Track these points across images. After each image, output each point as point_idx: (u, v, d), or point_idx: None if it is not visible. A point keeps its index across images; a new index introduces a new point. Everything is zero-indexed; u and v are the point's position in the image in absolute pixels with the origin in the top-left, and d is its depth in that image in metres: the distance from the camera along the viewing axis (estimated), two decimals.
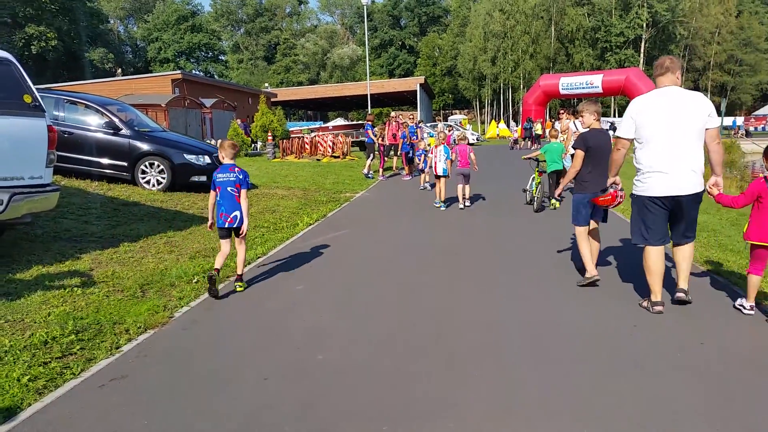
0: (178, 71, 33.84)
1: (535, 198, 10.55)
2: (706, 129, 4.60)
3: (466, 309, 4.98)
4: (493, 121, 59.17)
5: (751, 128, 53.89)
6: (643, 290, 5.11)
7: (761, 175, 4.77)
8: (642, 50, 63.53)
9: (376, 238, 8.33)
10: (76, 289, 5.32)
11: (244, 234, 5.58)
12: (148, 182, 11.00)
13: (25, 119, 5.76)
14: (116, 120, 10.95)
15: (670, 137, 4.61)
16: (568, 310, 4.93)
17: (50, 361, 3.84)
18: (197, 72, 79.12)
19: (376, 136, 17.05)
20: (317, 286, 5.75)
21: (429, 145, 22.39)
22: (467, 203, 11.04)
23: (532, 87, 44.55)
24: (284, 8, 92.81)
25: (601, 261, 6.34)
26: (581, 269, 5.88)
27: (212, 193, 5.58)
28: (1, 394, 3.40)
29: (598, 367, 3.74)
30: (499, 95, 67.26)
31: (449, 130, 21.92)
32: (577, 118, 10.14)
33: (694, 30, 63.64)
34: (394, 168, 18.79)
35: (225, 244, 5.52)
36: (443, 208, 10.85)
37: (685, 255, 4.90)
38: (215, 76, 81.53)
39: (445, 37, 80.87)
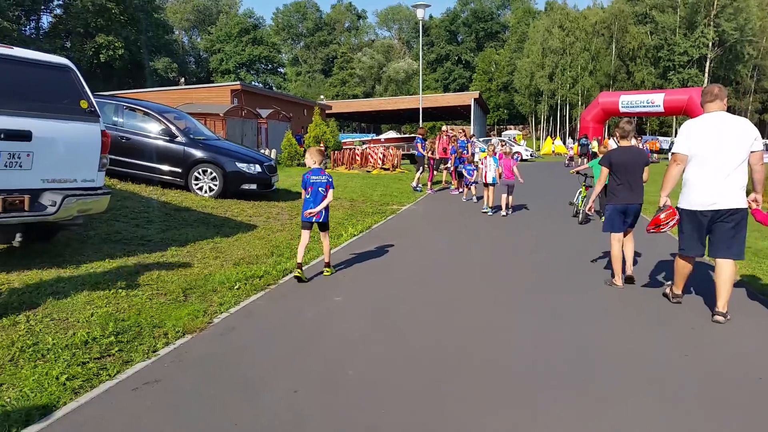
0: (238, 82, 34.71)
1: (581, 211, 10.90)
2: (752, 152, 5.01)
3: (504, 329, 4.82)
4: (549, 137, 58.26)
5: None
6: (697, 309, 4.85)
7: None
8: (707, 70, 61.44)
9: (419, 251, 8.24)
10: (120, 291, 5.42)
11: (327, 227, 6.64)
12: (200, 189, 11.24)
13: (81, 124, 5.95)
14: (172, 127, 11.25)
15: (717, 157, 5.01)
16: (613, 332, 4.70)
17: (88, 361, 3.90)
18: (256, 83, 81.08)
19: (426, 149, 17.00)
20: (356, 298, 5.70)
21: (479, 161, 22.14)
22: (510, 211, 12.04)
23: (591, 104, 43.68)
24: (343, 23, 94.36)
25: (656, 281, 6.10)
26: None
27: (303, 192, 6.45)
28: (39, 391, 3.46)
29: (641, 401, 3.53)
30: (555, 111, 66.25)
31: (501, 145, 21.71)
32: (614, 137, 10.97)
33: (764, 50, 61.20)
34: (443, 182, 18.65)
35: (306, 235, 6.45)
36: (490, 213, 12.10)
37: (724, 275, 5.08)
38: (273, 88, 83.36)
39: (503, 52, 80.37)
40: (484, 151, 24.48)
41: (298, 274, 6.22)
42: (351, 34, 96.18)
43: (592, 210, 7.14)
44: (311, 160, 6.45)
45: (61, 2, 58.79)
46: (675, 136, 52.09)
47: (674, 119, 58.59)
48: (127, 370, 3.85)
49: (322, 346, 4.38)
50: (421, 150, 16.92)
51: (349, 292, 5.94)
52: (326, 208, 6.42)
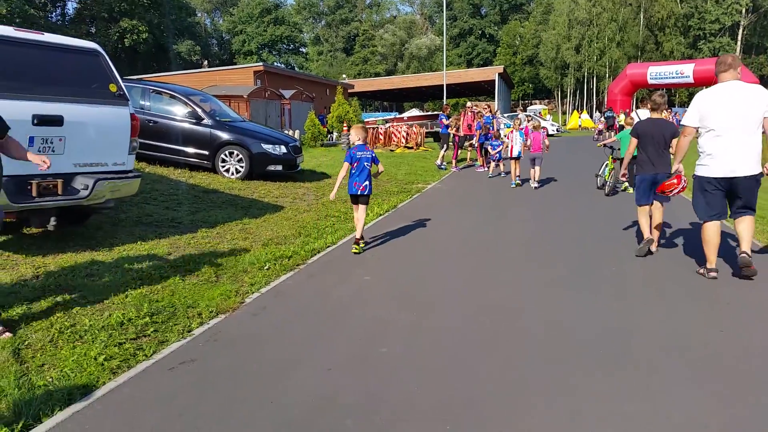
0: (260, 63, 34.71)
1: (608, 183, 11.15)
2: (765, 117, 5.17)
3: (533, 305, 4.79)
4: (575, 111, 57.27)
5: None
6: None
7: None
8: (740, 38, 59.65)
9: (446, 229, 8.21)
10: (153, 272, 5.51)
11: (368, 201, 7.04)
12: (227, 170, 11.32)
13: (111, 108, 6.01)
14: (199, 110, 11.31)
15: (730, 126, 5.22)
16: (642, 310, 4.64)
17: (125, 342, 3.98)
18: (278, 64, 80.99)
19: (450, 126, 16.80)
20: (384, 277, 5.72)
21: (505, 136, 21.89)
22: (537, 184, 12.44)
23: (619, 76, 42.82)
24: (364, 0, 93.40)
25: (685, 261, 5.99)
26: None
27: (347, 165, 6.82)
28: (79, 371, 3.54)
29: (676, 374, 3.48)
30: (582, 84, 64.99)
31: (528, 120, 21.48)
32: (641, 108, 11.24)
33: None
34: (468, 159, 18.48)
35: (356, 209, 6.88)
36: (517, 186, 12.57)
37: (744, 225, 5.44)
38: (295, 68, 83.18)
39: (527, 25, 78.89)
40: (509, 127, 24.22)
41: (356, 250, 6.64)
42: (372, 11, 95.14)
43: (626, 177, 7.61)
44: (356, 136, 6.90)
45: None
46: None
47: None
48: (163, 351, 3.92)
49: (353, 324, 4.40)
50: (444, 127, 16.76)
51: (377, 271, 5.96)
52: (370, 183, 6.84)
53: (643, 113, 10.47)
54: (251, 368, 3.65)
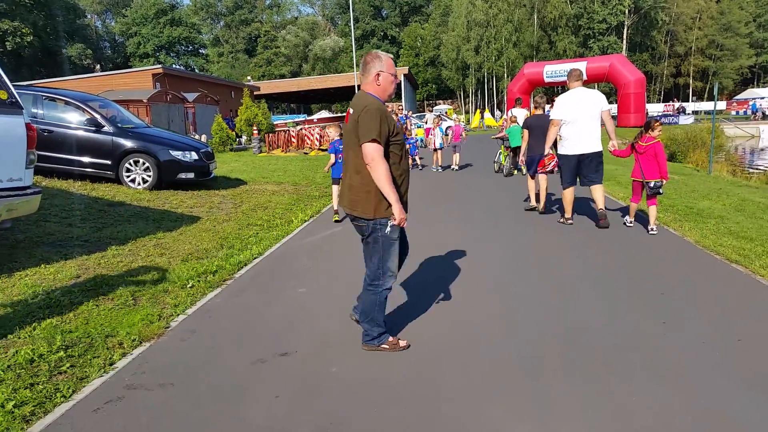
0: (159, 66, 33.05)
1: (504, 167, 14.08)
2: (602, 111, 7.52)
3: (485, 310, 4.70)
4: (478, 110, 58.92)
5: (733, 112, 54.00)
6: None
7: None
8: (625, 36, 63.72)
9: None
10: (62, 298, 4.96)
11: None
12: (133, 181, 10.58)
13: (1, 117, 5.36)
14: (98, 117, 10.50)
15: (579, 118, 7.54)
16: (539, 237, 4.68)
17: (38, 383, 3.50)
18: (178, 66, 77.96)
19: None
20: (320, 289, 5.44)
21: (417, 135, 22.09)
22: (457, 167, 16.00)
23: (517, 75, 44.36)
24: (264, 0, 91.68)
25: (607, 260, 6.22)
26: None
27: (333, 156, 8.46)
28: None
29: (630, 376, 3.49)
30: (483, 84, 66.99)
31: (438, 120, 22.14)
32: (522, 107, 15.08)
33: (675, 15, 63.88)
34: None
35: (335, 188, 8.62)
36: (440, 171, 15.73)
37: (596, 192, 7.72)
38: (196, 70, 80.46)
39: (428, 27, 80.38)
40: (420, 127, 24.45)
41: (336, 218, 8.67)
42: (273, 12, 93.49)
43: (523, 162, 9.47)
44: (335, 133, 8.66)
45: None
46: None
47: (596, 86, 60.45)
48: (84, 389, 3.48)
49: (295, 344, 4.11)
50: None
51: (310, 282, 5.67)
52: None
53: (518, 112, 14.37)
54: (190, 403, 3.30)
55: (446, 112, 48.39)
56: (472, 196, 11.17)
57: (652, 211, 7.30)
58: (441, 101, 76.29)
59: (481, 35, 62.72)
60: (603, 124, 7.59)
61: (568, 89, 7.77)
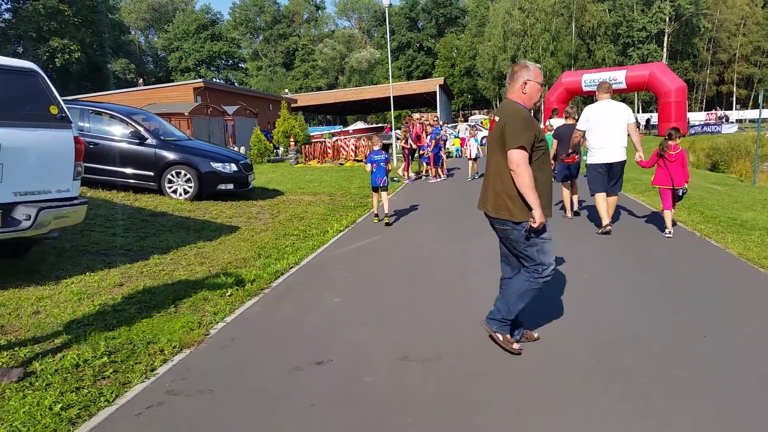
0: (200, 80, 33.90)
1: None
2: (628, 123, 7.79)
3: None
4: None
5: None
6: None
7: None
8: (665, 44, 62.51)
9: (409, 243, 8.04)
10: (106, 306, 5.11)
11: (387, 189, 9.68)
12: (175, 192, 10.85)
13: (52, 131, 5.58)
14: (141, 129, 10.82)
15: (607, 128, 7.80)
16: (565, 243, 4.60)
17: (83, 387, 3.62)
18: (218, 80, 79.63)
19: (399, 138, 16.78)
20: (355, 299, 5.48)
21: (454, 145, 22.07)
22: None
23: (554, 84, 43.91)
24: (302, 14, 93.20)
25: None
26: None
27: (369, 165, 9.39)
28: (32, 425, 3.18)
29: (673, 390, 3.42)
30: None
31: (474, 130, 22.22)
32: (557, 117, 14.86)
33: (718, 22, 62.37)
34: (419, 170, 18.45)
35: (376, 196, 9.81)
36: (476, 178, 16.01)
37: (612, 201, 8.17)
38: (235, 84, 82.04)
39: (463, 37, 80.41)
40: (456, 137, 24.43)
41: (376, 220, 9.72)
42: (310, 26, 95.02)
43: (555, 167, 9.47)
44: (376, 144, 9.59)
45: (9, 6, 56.60)
46: (639, 112, 52.92)
47: (636, 95, 59.43)
48: (126, 394, 3.58)
49: (330, 352, 4.15)
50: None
51: (346, 292, 5.72)
52: (387, 176, 9.51)
53: (555, 122, 14.07)
54: (226, 409, 3.37)
55: (482, 122, 48.27)
56: None
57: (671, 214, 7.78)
58: (477, 111, 76.05)
59: (518, 45, 62.39)
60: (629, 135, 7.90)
61: (596, 100, 8.08)
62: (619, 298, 5.19)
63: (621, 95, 60.52)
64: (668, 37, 62.44)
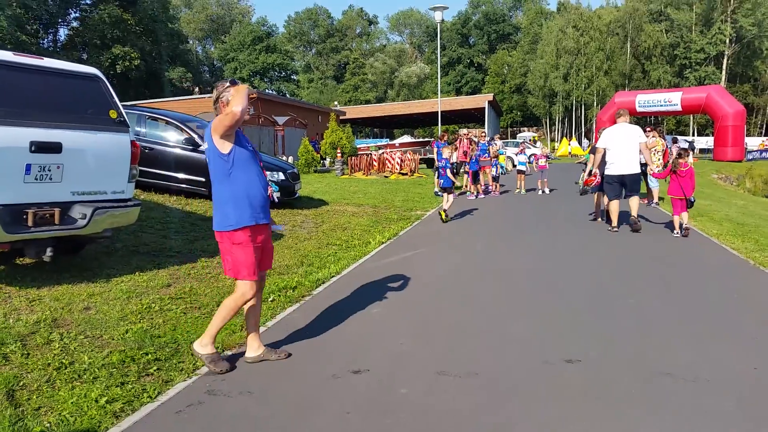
0: (254, 90, 34.65)
1: (581, 187, 15.19)
2: (640, 142, 9.46)
3: (557, 341, 4.59)
4: (564, 138, 57.66)
5: None
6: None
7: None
8: (724, 67, 60.66)
9: (452, 257, 8.01)
10: (153, 305, 5.28)
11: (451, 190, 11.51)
12: None
13: (110, 134, 5.82)
14: (195, 136, 11.12)
15: (620, 146, 9.39)
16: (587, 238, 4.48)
17: (127, 382, 3.74)
18: (270, 91, 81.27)
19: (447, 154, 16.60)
20: (394, 310, 5.50)
21: (500, 162, 21.97)
22: (546, 190, 16.91)
23: (607, 104, 43.11)
24: (355, 29, 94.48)
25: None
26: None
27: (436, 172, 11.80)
28: (79, 415, 3.31)
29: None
30: (570, 112, 65.61)
31: (521, 147, 22.50)
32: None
33: None
34: (463, 186, 18.28)
35: (452, 197, 11.53)
36: (524, 193, 17.03)
37: (633, 201, 9.61)
38: (287, 95, 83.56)
39: (515, 54, 79.93)
40: (502, 154, 24.18)
41: (443, 218, 11.08)
42: (363, 40, 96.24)
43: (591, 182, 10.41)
44: (448, 153, 12.04)
45: (77, 15, 59.18)
46: (694, 135, 51.46)
47: (691, 118, 57.84)
48: (168, 391, 3.69)
49: (368, 361, 4.18)
50: (440, 154, 16.57)
51: (387, 302, 5.74)
52: (447, 177, 11.30)
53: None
54: (265, 412, 3.42)
55: (531, 139, 47.80)
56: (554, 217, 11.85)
57: (685, 216, 9.20)
58: (525, 128, 75.33)
59: (571, 63, 61.62)
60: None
61: (616, 123, 9.77)
62: (663, 318, 5.05)
63: (676, 118, 59.38)
64: (728, 59, 60.62)
